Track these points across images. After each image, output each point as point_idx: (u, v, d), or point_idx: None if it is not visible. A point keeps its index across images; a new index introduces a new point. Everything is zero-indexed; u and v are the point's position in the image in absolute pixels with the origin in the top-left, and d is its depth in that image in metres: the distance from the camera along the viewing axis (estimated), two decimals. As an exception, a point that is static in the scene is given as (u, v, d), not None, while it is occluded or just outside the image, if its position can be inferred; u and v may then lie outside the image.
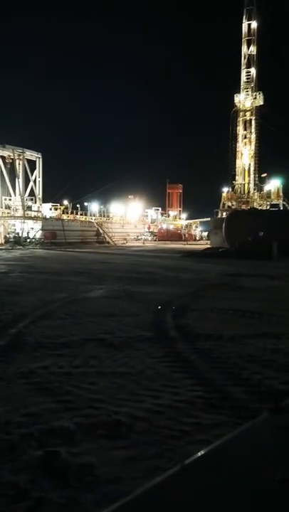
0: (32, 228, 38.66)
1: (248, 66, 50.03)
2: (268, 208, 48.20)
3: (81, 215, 47.45)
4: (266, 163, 52.23)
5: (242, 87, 50.18)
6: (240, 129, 50.41)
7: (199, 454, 0.87)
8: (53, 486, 2.24)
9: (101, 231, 46.24)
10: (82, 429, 2.88)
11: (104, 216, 51.85)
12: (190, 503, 0.72)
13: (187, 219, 66.23)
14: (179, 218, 66.88)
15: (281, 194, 49.27)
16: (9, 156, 38.96)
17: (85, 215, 48.50)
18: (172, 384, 3.74)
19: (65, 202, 46.99)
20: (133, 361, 4.40)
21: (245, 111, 50.17)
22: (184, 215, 68.15)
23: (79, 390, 3.60)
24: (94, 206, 51.61)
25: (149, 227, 58.23)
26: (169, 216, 66.63)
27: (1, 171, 39.02)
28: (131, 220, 56.25)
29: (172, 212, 68.15)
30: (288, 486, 0.75)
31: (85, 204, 50.84)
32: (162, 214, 65.70)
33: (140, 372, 4.05)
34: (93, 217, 49.17)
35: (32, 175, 40.89)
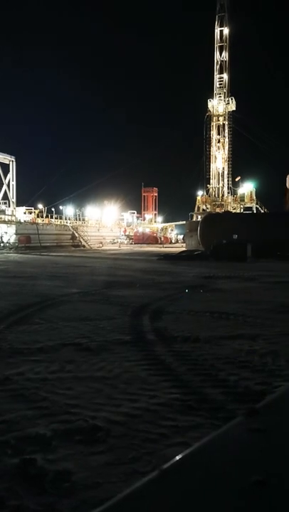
0: (6, 232, 38.05)
1: (221, 72, 50.83)
2: (242, 211, 48.99)
3: (56, 218, 47.04)
4: (240, 167, 53.12)
5: (215, 92, 50.93)
6: (213, 134, 51.12)
7: (176, 458, 0.88)
8: (30, 494, 2.21)
9: (76, 235, 45.94)
10: (59, 436, 2.84)
11: (79, 220, 51.55)
12: (169, 507, 0.73)
13: (163, 222, 66.54)
14: (155, 221, 67.13)
15: (254, 197, 50.20)
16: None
17: (60, 218, 48.11)
18: (149, 387, 3.74)
19: (40, 206, 46.54)
20: (110, 365, 4.38)
21: (218, 116, 50.93)
22: (159, 219, 68.46)
23: (55, 395, 3.55)
24: (69, 210, 51.29)
25: (125, 231, 58.23)
26: (144, 219, 66.80)
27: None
28: (107, 223, 56.13)
29: (148, 216, 68.37)
30: (261, 488, 0.77)
31: (60, 208, 50.49)
32: (138, 217, 65.83)
33: (117, 376, 4.03)
34: (68, 221, 48.82)
35: (5, 178, 40.29)
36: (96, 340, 5.42)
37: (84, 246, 44.37)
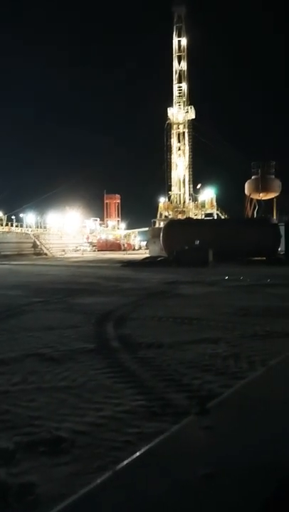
0: None
1: (180, 81, 51.75)
2: (203, 217, 49.88)
3: (17, 226, 46.11)
4: (200, 175, 54.12)
5: (174, 101, 51.75)
6: (174, 142, 51.87)
7: (129, 459, 0.91)
8: (-8, 511, 2.15)
9: (38, 243, 45.15)
10: (22, 448, 2.78)
11: (41, 227, 50.76)
12: (123, 502, 0.75)
13: (126, 229, 66.56)
14: (118, 228, 67.05)
15: (215, 204, 51.25)
16: None
17: (21, 226, 47.20)
18: (114, 395, 3.73)
19: (-1, 213, 45.49)
20: (74, 374, 4.34)
21: (178, 124, 51.77)
22: (122, 225, 68.43)
23: (18, 408, 3.48)
24: (30, 217, 50.40)
25: (88, 238, 57.77)
26: (107, 226, 66.61)
27: None
28: (69, 231, 55.54)
29: (111, 223, 68.18)
30: (210, 480, 0.81)
31: (21, 215, 49.55)
32: (101, 224, 65.56)
33: (82, 385, 4.00)
34: (30, 229, 47.95)
35: None
36: (60, 349, 5.35)
37: (46, 254, 43.64)
